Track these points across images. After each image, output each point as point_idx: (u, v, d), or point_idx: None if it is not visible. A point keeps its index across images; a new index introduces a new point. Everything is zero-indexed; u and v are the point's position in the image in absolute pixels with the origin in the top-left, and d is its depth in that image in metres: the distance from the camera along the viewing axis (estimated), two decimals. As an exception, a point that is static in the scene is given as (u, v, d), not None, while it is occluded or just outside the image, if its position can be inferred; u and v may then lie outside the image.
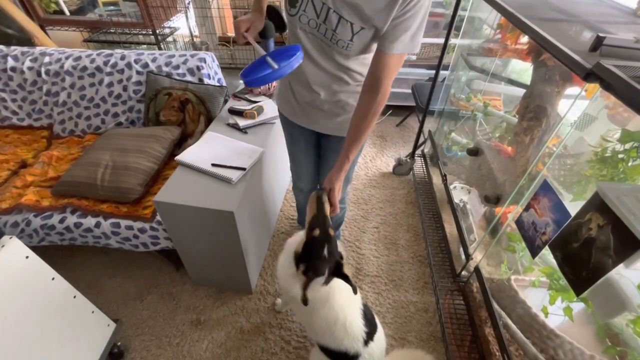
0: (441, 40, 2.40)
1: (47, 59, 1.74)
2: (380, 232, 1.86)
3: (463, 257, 1.41)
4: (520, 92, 1.40)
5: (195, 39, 3.04)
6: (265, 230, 1.68)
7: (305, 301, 0.84)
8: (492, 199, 1.27)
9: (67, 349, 1.06)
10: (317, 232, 0.85)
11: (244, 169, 1.28)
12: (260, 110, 1.55)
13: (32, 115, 1.83)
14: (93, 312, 1.16)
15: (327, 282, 0.88)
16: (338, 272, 0.88)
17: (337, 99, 1.05)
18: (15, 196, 1.45)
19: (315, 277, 0.84)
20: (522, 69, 1.64)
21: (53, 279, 0.99)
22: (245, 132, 1.49)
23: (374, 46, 0.89)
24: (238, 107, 1.57)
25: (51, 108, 1.81)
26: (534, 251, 0.93)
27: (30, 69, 1.74)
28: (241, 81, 1.82)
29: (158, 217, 1.35)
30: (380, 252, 1.75)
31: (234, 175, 1.25)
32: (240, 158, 1.33)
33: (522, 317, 1.13)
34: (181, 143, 1.64)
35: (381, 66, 0.85)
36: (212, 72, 1.73)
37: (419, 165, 2.18)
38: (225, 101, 1.68)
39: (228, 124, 1.53)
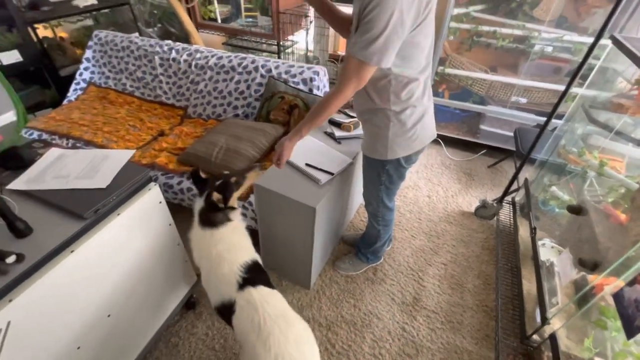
0: (560, 87, 2.23)
1: (198, 55, 2.16)
2: (448, 269, 1.79)
3: (538, 319, 1.28)
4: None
5: (309, 54, 3.37)
6: (334, 235, 1.78)
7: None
8: (589, 265, 1.14)
9: (161, 286, 1.30)
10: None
11: (332, 173, 1.40)
12: (357, 125, 1.68)
13: (176, 97, 2.29)
14: (186, 261, 1.40)
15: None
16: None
17: (361, 118, 1.23)
18: (153, 156, 1.83)
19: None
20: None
21: (170, 224, 1.24)
22: (339, 142, 1.63)
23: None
24: (337, 119, 1.72)
25: (190, 94, 2.23)
26: (632, 332, 0.83)
27: (185, 61, 2.19)
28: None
29: (250, 199, 1.56)
30: (443, 289, 1.68)
31: (323, 177, 1.38)
32: (330, 164, 1.46)
33: (601, 408, 0.99)
34: (281, 140, 1.85)
35: (342, 65, 0.98)
36: (322, 84, 1.93)
37: (505, 212, 2.04)
38: (327, 111, 1.85)
39: (325, 132, 1.69)
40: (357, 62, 0.92)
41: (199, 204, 1.14)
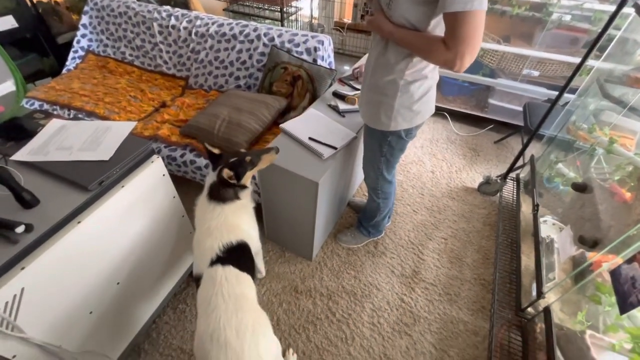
0: (576, 59, 2.13)
1: (198, 22, 2.08)
2: (448, 244, 1.81)
3: (534, 293, 1.31)
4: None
5: (314, 21, 3.23)
6: (336, 209, 1.79)
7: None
8: (589, 242, 1.15)
9: (167, 256, 1.34)
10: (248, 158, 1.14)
11: (335, 148, 1.39)
12: (361, 97, 1.63)
13: (177, 67, 2.23)
14: (191, 232, 1.43)
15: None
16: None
17: (370, 83, 1.15)
18: (155, 128, 1.82)
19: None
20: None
21: (174, 197, 1.25)
22: (343, 116, 1.60)
23: (419, 23, 0.91)
24: (342, 92, 1.68)
25: (191, 63, 2.17)
26: (625, 308, 0.85)
27: (185, 28, 2.11)
28: (347, 67, 1.92)
29: (253, 172, 1.56)
30: (442, 263, 1.72)
31: (326, 151, 1.36)
32: (334, 137, 1.44)
33: (588, 377, 1.04)
34: (284, 113, 1.82)
35: (445, 29, 0.84)
36: (326, 54, 1.86)
37: (509, 188, 2.03)
38: (331, 84, 1.80)
39: (329, 105, 1.65)
40: (454, 15, 0.80)
41: (211, 177, 1.13)
